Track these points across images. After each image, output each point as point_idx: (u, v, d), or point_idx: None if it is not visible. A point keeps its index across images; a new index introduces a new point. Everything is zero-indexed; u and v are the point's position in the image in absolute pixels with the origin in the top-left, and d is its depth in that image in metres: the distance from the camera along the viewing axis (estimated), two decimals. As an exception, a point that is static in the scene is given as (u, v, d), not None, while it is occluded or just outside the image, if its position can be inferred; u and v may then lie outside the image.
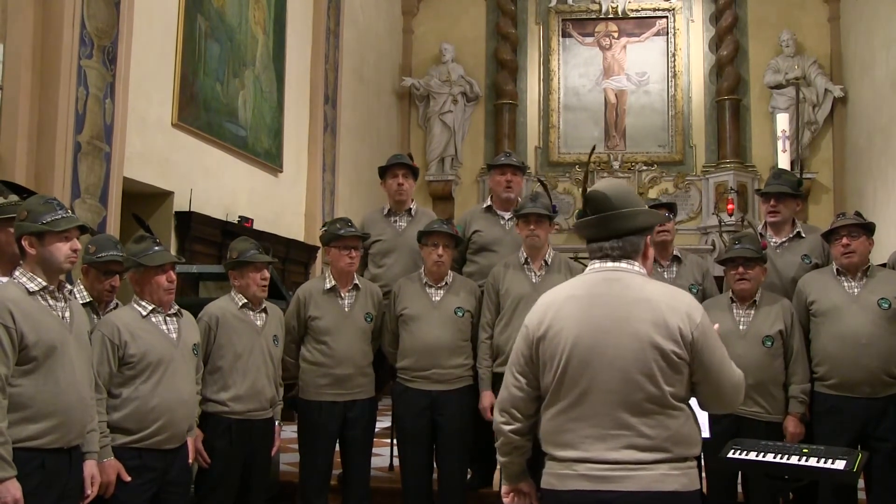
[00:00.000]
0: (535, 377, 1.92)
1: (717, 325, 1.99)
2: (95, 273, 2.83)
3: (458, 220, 4.06)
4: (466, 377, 3.55)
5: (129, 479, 2.60)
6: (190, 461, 2.89)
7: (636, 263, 1.91)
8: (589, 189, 1.95)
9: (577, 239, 9.83)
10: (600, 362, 1.80)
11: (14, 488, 2.13)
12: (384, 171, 4.04)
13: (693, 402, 1.91)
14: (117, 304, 2.98)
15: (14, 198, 2.59)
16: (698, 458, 3.37)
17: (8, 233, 2.43)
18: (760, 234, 3.62)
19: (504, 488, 2.07)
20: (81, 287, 2.86)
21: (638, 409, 1.77)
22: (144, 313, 2.76)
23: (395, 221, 4.03)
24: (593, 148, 2.42)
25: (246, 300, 3.21)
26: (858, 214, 3.37)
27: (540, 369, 1.90)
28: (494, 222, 3.95)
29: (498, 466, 3.79)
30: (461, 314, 3.53)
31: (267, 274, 3.25)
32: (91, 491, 2.46)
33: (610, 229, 1.91)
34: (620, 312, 1.82)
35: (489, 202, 4.05)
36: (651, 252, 1.97)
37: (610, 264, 1.91)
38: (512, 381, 1.96)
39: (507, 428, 1.97)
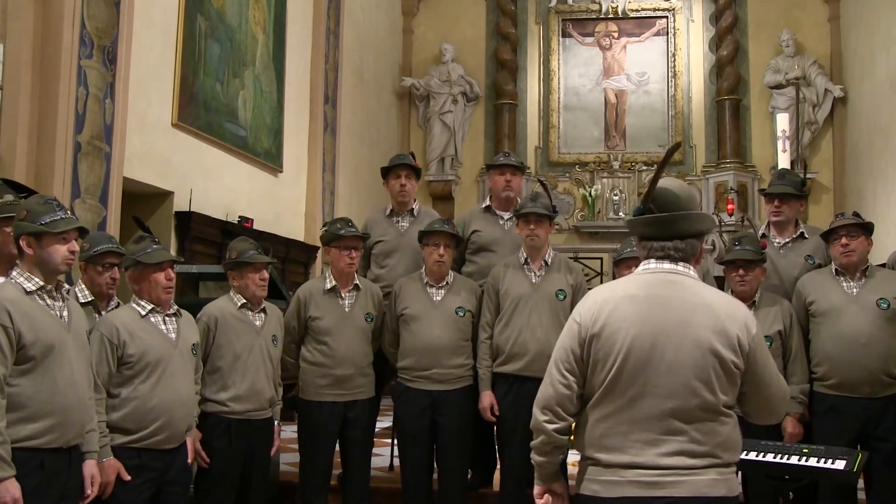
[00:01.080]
0: (583, 375, 1.86)
1: None
2: (94, 268, 2.83)
3: (458, 220, 4.07)
4: (467, 377, 3.55)
5: (128, 478, 2.60)
6: (189, 461, 2.89)
7: (692, 268, 1.88)
8: (659, 186, 1.88)
9: (578, 239, 9.84)
10: (658, 365, 1.76)
11: (13, 488, 2.13)
12: (387, 172, 4.04)
13: None
14: (118, 304, 2.98)
15: (9, 197, 2.59)
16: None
17: (4, 233, 2.43)
18: (763, 234, 3.62)
19: (537, 489, 2.02)
20: (83, 286, 2.85)
21: (692, 415, 1.75)
22: (143, 313, 2.76)
23: (398, 222, 4.04)
24: (677, 145, 2.28)
25: (245, 300, 3.21)
26: (857, 215, 3.37)
27: (590, 368, 1.84)
28: (493, 222, 3.95)
29: (497, 466, 3.80)
30: (462, 314, 3.53)
31: (266, 274, 3.25)
32: (91, 490, 2.46)
33: (676, 230, 1.86)
34: (682, 316, 1.78)
35: (488, 202, 4.05)
36: (702, 257, 1.95)
37: (668, 266, 1.86)
38: (558, 378, 1.88)
39: (551, 427, 1.89)
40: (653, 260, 1.88)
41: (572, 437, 1.94)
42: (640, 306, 1.81)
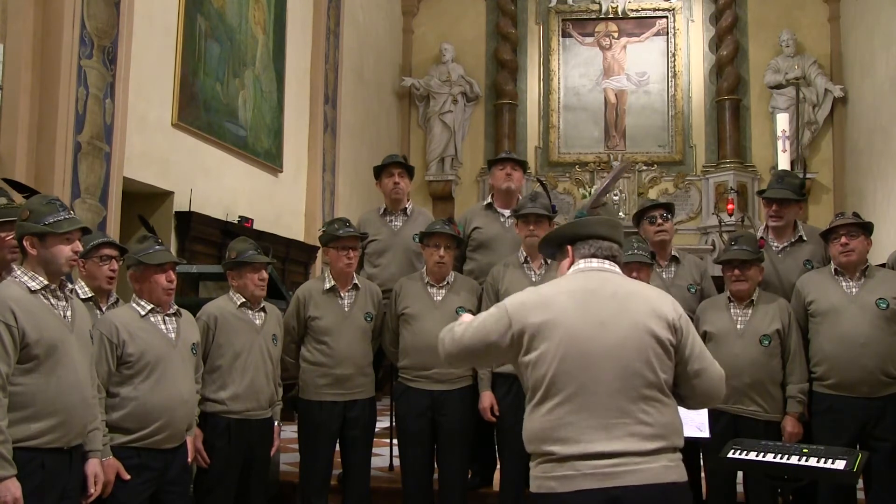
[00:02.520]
0: (492, 358, 2.09)
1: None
2: (92, 261, 2.83)
3: (459, 217, 4.07)
4: (467, 377, 3.55)
5: (128, 477, 2.60)
6: (189, 460, 2.89)
7: (617, 267, 2.06)
8: (604, 199, 2.10)
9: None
10: (599, 352, 1.86)
11: (14, 487, 2.13)
12: (379, 171, 4.05)
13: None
14: (118, 300, 2.98)
15: (2, 200, 2.59)
16: (694, 458, 3.37)
17: None
18: (762, 236, 3.62)
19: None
20: (82, 283, 2.86)
21: (637, 395, 1.84)
22: (143, 313, 2.76)
23: (391, 221, 4.04)
24: (630, 163, 2.61)
25: (244, 300, 3.22)
26: (856, 215, 3.37)
27: (530, 366, 1.89)
28: (494, 219, 3.95)
29: (497, 466, 3.81)
30: (463, 313, 3.53)
31: (265, 274, 3.25)
32: (94, 489, 2.46)
33: (616, 235, 2.07)
34: (617, 305, 1.91)
35: (490, 200, 4.05)
36: None
37: (608, 265, 2.03)
38: (484, 331, 1.97)
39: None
40: (595, 259, 2.03)
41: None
42: (577, 300, 1.93)
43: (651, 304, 1.93)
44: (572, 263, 2.05)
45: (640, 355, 1.86)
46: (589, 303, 1.91)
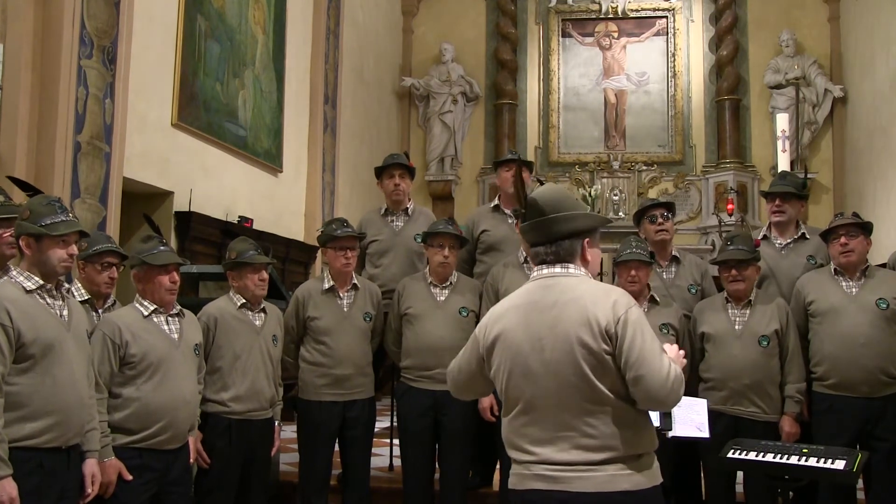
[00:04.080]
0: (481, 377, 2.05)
1: (682, 352, 2.00)
2: (92, 267, 2.83)
3: (467, 219, 4.06)
4: (469, 377, 3.54)
5: (130, 478, 2.60)
6: (191, 461, 2.89)
7: (572, 266, 1.93)
8: (527, 196, 1.99)
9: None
10: (538, 368, 1.85)
11: (10, 487, 2.13)
12: (380, 172, 4.05)
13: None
14: (115, 301, 2.98)
15: (0, 198, 2.59)
16: (694, 458, 3.35)
17: None
18: (765, 235, 3.62)
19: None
20: (79, 285, 2.85)
21: (578, 409, 1.82)
22: (146, 313, 2.76)
23: (392, 221, 4.04)
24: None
25: (244, 300, 3.21)
26: (856, 215, 3.37)
27: (492, 378, 1.98)
28: (502, 221, 3.94)
29: (497, 466, 3.81)
30: (465, 314, 3.53)
31: (265, 275, 3.25)
32: (92, 489, 2.46)
33: (544, 234, 1.93)
34: (553, 317, 1.86)
35: (497, 201, 4.04)
36: (592, 254, 1.97)
37: (546, 270, 1.95)
38: (463, 365, 2.08)
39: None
40: (537, 266, 1.98)
41: None
42: (520, 314, 1.92)
43: (586, 311, 1.83)
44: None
45: (574, 369, 1.81)
46: (530, 317, 1.89)
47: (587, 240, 1.96)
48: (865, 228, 3.28)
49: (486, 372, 2.00)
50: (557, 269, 1.94)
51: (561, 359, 1.83)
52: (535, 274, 1.98)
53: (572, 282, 1.91)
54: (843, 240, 3.24)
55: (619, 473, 1.80)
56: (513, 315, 1.93)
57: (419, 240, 3.95)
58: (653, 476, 1.85)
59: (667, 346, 1.96)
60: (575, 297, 1.87)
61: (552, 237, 1.93)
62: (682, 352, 2.02)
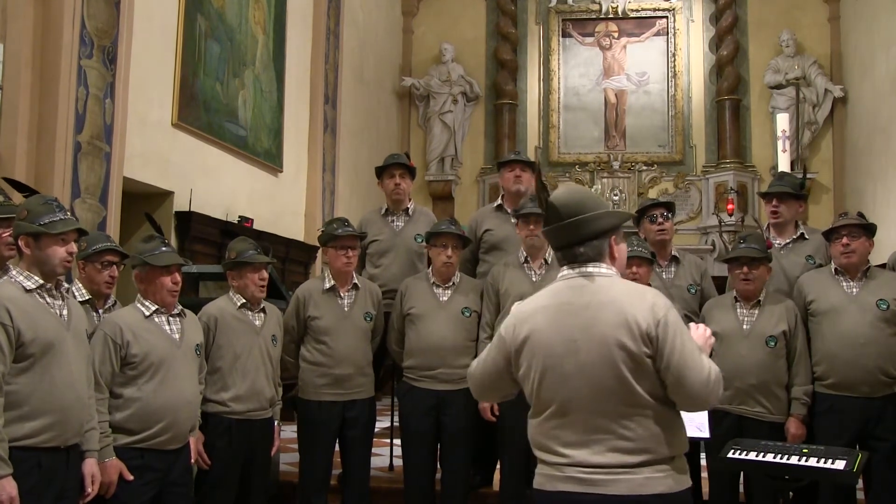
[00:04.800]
0: (510, 381, 1.98)
1: (707, 330, 1.97)
2: (92, 266, 2.83)
3: (470, 219, 4.06)
4: (472, 377, 3.54)
5: (131, 478, 2.60)
6: (192, 461, 2.89)
7: (602, 265, 1.90)
8: (547, 199, 1.94)
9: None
10: (572, 371, 1.82)
11: (10, 486, 2.13)
12: (381, 172, 4.05)
13: None
14: (116, 302, 2.98)
15: None
16: (695, 458, 3.35)
17: None
18: (765, 236, 3.62)
19: None
20: (79, 285, 2.85)
21: (616, 412, 1.79)
22: (147, 313, 2.76)
23: (393, 221, 4.04)
24: (539, 170, 2.43)
25: (244, 300, 3.21)
26: (861, 215, 3.36)
27: (520, 380, 1.94)
28: (505, 220, 3.93)
29: (497, 466, 3.81)
30: (468, 314, 3.54)
31: (265, 274, 3.25)
32: (91, 489, 2.46)
33: (569, 237, 1.90)
34: (587, 318, 1.83)
35: (500, 201, 4.03)
36: (619, 252, 1.94)
37: (575, 271, 1.91)
38: (488, 362, 2.01)
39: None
40: (564, 267, 1.94)
41: None
42: (550, 316, 1.88)
43: (624, 313, 1.80)
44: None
45: (612, 372, 1.78)
46: (562, 318, 1.85)
47: (613, 237, 1.93)
48: (868, 230, 3.27)
49: (513, 373, 1.95)
50: (589, 269, 1.90)
51: (597, 361, 1.79)
52: (563, 273, 1.93)
53: (605, 282, 1.88)
54: (844, 240, 3.23)
55: (654, 476, 1.77)
56: (542, 316, 1.89)
57: (420, 240, 3.95)
58: (685, 479, 1.83)
59: (691, 327, 1.94)
60: (611, 299, 1.83)
61: (579, 239, 1.89)
62: (707, 331, 1.97)
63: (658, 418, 1.80)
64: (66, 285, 2.43)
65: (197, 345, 2.90)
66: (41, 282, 2.31)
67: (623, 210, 2.36)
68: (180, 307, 2.87)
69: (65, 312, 2.37)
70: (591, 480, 1.78)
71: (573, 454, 1.81)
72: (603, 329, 1.81)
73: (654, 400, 1.80)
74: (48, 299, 2.33)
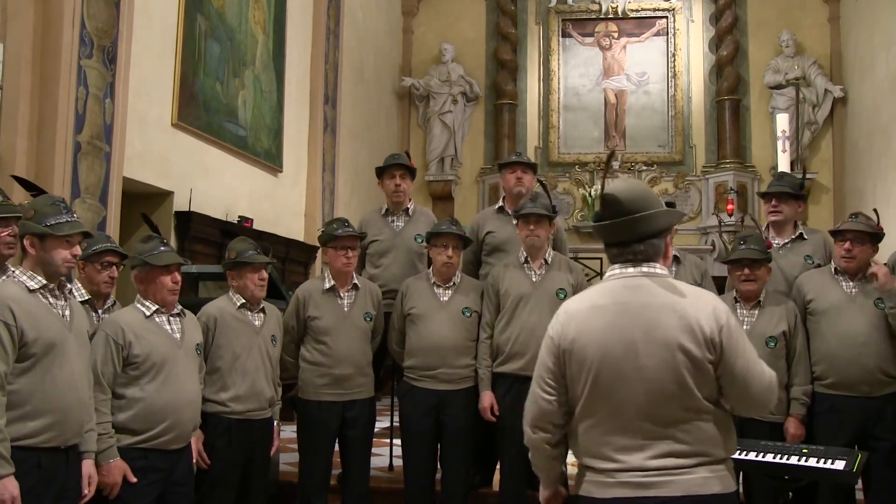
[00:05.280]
0: (564, 388, 1.87)
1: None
2: (92, 266, 2.83)
3: (472, 221, 4.06)
4: (473, 377, 3.55)
5: (134, 480, 2.60)
6: (193, 461, 2.89)
7: (657, 265, 1.86)
8: (605, 191, 1.87)
9: (578, 239, 9.84)
10: (631, 373, 1.76)
11: (12, 486, 2.13)
12: (381, 172, 4.05)
13: None
14: (115, 302, 2.98)
15: None
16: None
17: None
18: (764, 235, 3.62)
19: (543, 494, 2.01)
20: (79, 285, 2.85)
21: (673, 417, 1.75)
22: (148, 313, 2.76)
23: (393, 221, 4.04)
24: (611, 153, 2.40)
25: (244, 300, 3.21)
26: (875, 212, 3.32)
27: (568, 381, 1.86)
28: (506, 222, 3.93)
29: (498, 466, 3.81)
30: (469, 314, 3.54)
31: (265, 274, 3.25)
32: (88, 490, 2.46)
33: (627, 233, 1.84)
34: (648, 320, 1.78)
35: (501, 203, 4.04)
36: (671, 251, 1.92)
37: (632, 269, 1.85)
38: (541, 395, 1.89)
39: (541, 439, 1.91)
40: (617, 265, 1.87)
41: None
42: (607, 316, 1.81)
43: (687, 317, 1.75)
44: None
45: (674, 377, 1.74)
46: (619, 319, 1.79)
47: (668, 237, 1.88)
48: (875, 237, 3.26)
49: (562, 371, 1.85)
50: (645, 268, 1.84)
51: (658, 365, 1.74)
52: (615, 272, 1.86)
53: (664, 283, 1.82)
54: (847, 245, 3.23)
55: (710, 476, 1.74)
56: (598, 316, 1.82)
57: (420, 240, 3.95)
58: (732, 482, 1.81)
59: (875, 268, 1.92)
60: (672, 302, 1.78)
61: (640, 236, 1.83)
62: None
63: (714, 422, 1.78)
64: (68, 286, 2.43)
65: (197, 344, 2.90)
66: (44, 282, 2.31)
67: (678, 210, 2.28)
68: (180, 307, 2.87)
69: (67, 313, 2.38)
70: (645, 483, 1.73)
71: (627, 459, 1.76)
72: (665, 332, 1.76)
73: (710, 405, 1.78)
74: (51, 299, 2.33)
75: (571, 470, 1.96)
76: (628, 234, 1.84)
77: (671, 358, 1.75)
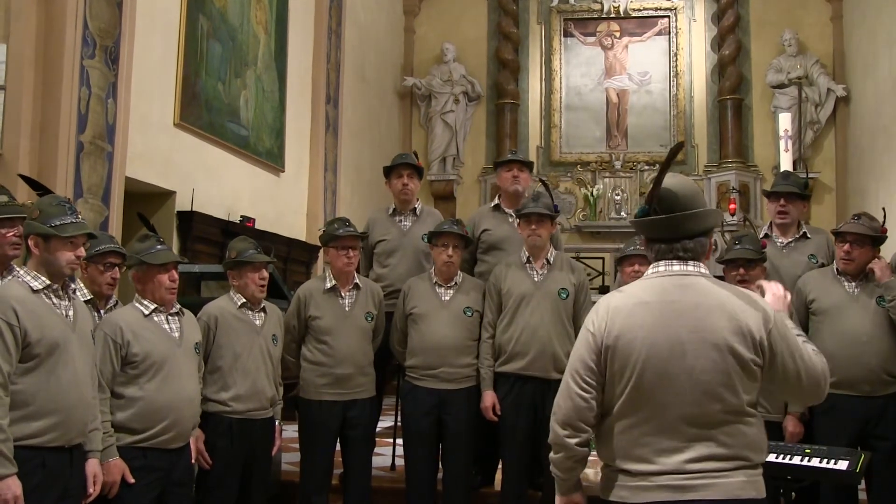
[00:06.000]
0: (601, 386, 1.82)
1: (781, 289, 1.93)
2: (95, 267, 2.84)
3: (468, 220, 4.07)
4: (474, 377, 3.55)
5: (132, 480, 2.60)
6: (192, 460, 2.89)
7: (702, 265, 1.83)
8: (662, 186, 1.83)
9: (580, 238, 9.84)
10: (678, 373, 1.73)
11: (15, 485, 2.14)
12: (389, 171, 4.05)
13: None
14: (117, 302, 2.98)
15: (4, 198, 2.60)
16: None
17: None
18: (766, 234, 3.63)
19: (559, 500, 1.95)
20: (81, 285, 2.86)
21: (717, 419, 1.72)
22: (146, 312, 2.76)
23: (400, 221, 4.04)
24: (680, 145, 2.22)
25: (245, 300, 3.22)
26: (883, 210, 3.30)
27: (608, 379, 1.81)
28: (503, 220, 3.94)
29: (499, 466, 3.81)
30: (470, 314, 3.54)
31: (265, 274, 3.25)
32: (93, 489, 2.46)
33: (683, 230, 1.81)
34: (697, 320, 1.75)
35: (497, 201, 4.04)
36: (711, 252, 1.91)
37: (677, 267, 1.82)
38: (577, 391, 1.83)
39: (573, 441, 1.84)
40: (662, 262, 1.84)
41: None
42: (654, 313, 1.77)
43: (737, 319, 1.73)
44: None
45: (721, 378, 1.71)
46: (667, 318, 1.75)
47: (712, 237, 1.88)
48: (876, 240, 3.25)
49: (602, 367, 1.81)
50: (690, 267, 1.81)
51: (707, 367, 1.71)
52: (661, 269, 1.82)
53: (710, 284, 1.80)
54: (847, 247, 3.23)
55: (748, 480, 1.73)
56: (643, 312, 1.78)
57: (426, 239, 3.96)
58: (763, 488, 1.78)
59: (765, 287, 1.91)
60: (720, 302, 1.75)
61: (689, 234, 1.80)
62: (782, 290, 1.94)
63: (754, 426, 1.77)
64: (72, 286, 2.44)
65: (196, 343, 2.90)
66: (48, 282, 2.31)
67: (720, 210, 2.26)
68: (178, 306, 2.87)
69: (71, 313, 2.38)
70: (684, 486, 1.70)
71: (667, 462, 1.72)
72: (715, 334, 1.73)
73: (751, 408, 1.77)
74: (55, 300, 2.33)
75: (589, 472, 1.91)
76: (681, 230, 1.81)
77: (721, 360, 1.72)
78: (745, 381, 1.73)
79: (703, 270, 1.83)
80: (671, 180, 1.85)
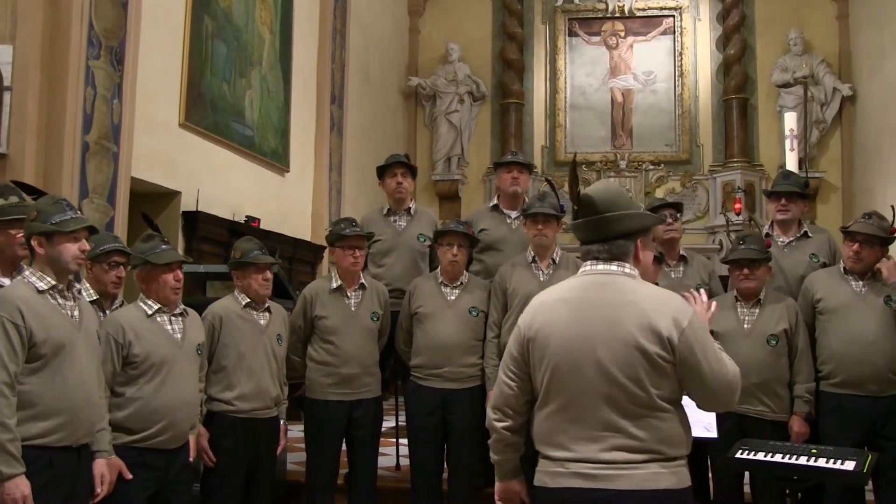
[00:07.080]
0: (526, 376, 1.95)
1: (707, 304, 2.00)
2: (99, 266, 2.84)
3: (465, 218, 4.06)
4: (479, 376, 3.55)
5: (130, 477, 2.61)
6: (191, 459, 2.90)
7: (627, 266, 1.91)
8: (581, 192, 1.98)
9: (584, 238, 9.83)
10: (588, 366, 1.81)
11: (23, 485, 2.15)
12: (382, 171, 4.05)
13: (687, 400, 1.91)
14: (123, 302, 2.99)
15: (14, 199, 2.61)
16: (702, 458, 3.34)
17: (8, 234, 2.46)
18: (768, 233, 3.62)
19: (497, 486, 2.10)
20: (87, 285, 2.87)
21: (626, 411, 1.79)
22: (150, 312, 2.77)
23: (395, 221, 4.04)
24: (573, 160, 2.39)
25: (249, 300, 3.22)
26: (893, 209, 3.27)
27: (531, 370, 1.93)
28: (501, 221, 3.94)
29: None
30: (475, 314, 3.54)
31: (269, 274, 3.26)
32: (101, 489, 2.47)
33: (598, 233, 1.92)
34: (609, 316, 1.83)
35: (496, 201, 4.04)
36: (645, 255, 1.95)
37: (600, 267, 1.92)
38: (504, 380, 1.99)
39: (500, 425, 2.01)
40: (588, 262, 1.94)
41: None
42: (572, 309, 1.88)
43: (647, 316, 1.80)
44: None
45: (629, 372, 1.78)
46: (582, 312, 1.85)
47: (640, 239, 1.93)
48: (885, 241, 3.23)
49: (526, 363, 1.93)
50: (613, 267, 1.90)
51: (615, 360, 1.79)
52: (586, 269, 1.93)
53: (629, 282, 1.88)
54: (856, 247, 3.22)
55: (660, 472, 1.78)
56: (562, 308, 1.89)
57: (423, 239, 3.96)
58: (688, 478, 1.84)
59: (689, 298, 1.97)
60: (634, 300, 1.83)
61: (606, 236, 1.91)
62: (711, 303, 2.02)
63: (667, 421, 1.81)
64: (77, 286, 2.44)
65: (198, 344, 2.90)
66: (53, 282, 2.32)
67: (653, 214, 2.32)
68: (182, 306, 2.88)
69: (76, 313, 2.38)
70: (596, 476, 1.78)
71: (580, 449, 1.81)
72: (624, 329, 1.80)
73: (665, 403, 1.81)
74: (60, 300, 2.34)
75: None
76: (597, 233, 1.93)
77: (627, 354, 1.79)
78: (653, 375, 1.79)
79: (627, 270, 1.90)
80: (594, 186, 2.01)
